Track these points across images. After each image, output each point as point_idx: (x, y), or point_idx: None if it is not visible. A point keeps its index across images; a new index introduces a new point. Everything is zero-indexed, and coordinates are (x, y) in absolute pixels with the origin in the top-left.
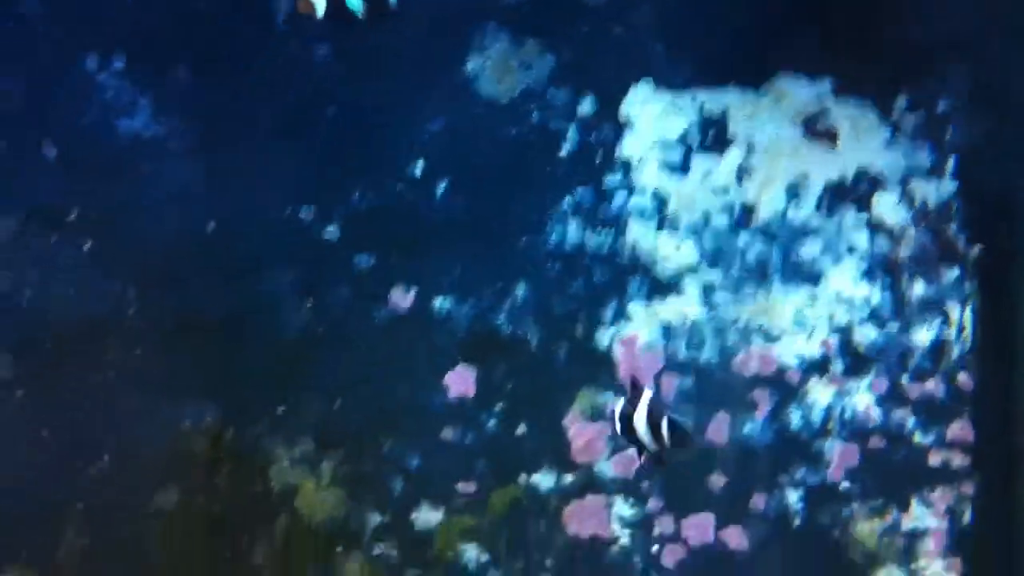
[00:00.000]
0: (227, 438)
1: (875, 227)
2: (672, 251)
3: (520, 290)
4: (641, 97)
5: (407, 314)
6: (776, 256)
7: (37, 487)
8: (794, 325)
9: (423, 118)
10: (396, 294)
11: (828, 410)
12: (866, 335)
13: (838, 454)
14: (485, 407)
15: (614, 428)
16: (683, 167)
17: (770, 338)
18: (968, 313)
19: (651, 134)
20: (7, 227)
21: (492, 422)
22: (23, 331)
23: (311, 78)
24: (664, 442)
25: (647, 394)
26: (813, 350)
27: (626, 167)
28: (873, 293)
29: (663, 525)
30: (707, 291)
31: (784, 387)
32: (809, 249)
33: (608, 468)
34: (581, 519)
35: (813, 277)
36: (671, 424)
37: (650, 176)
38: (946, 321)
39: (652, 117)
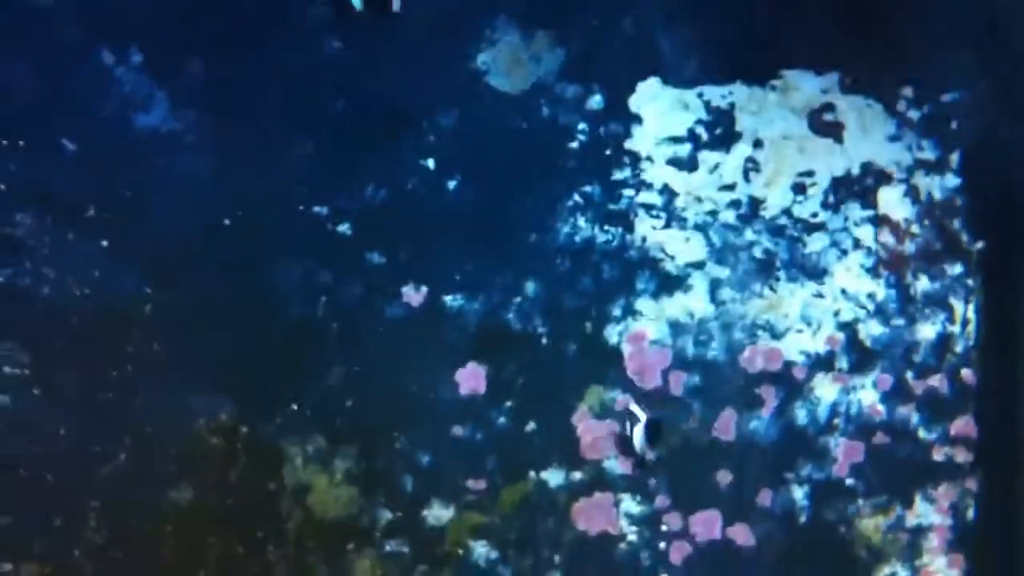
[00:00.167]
0: (241, 435)
1: (880, 222)
2: (680, 247)
3: (530, 287)
4: (650, 92)
5: (418, 311)
6: (783, 251)
7: (53, 483)
8: (800, 321)
9: (434, 113)
10: (408, 291)
11: (834, 406)
12: (871, 331)
13: (843, 450)
14: (495, 404)
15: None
16: (691, 162)
17: (776, 334)
18: (972, 309)
19: (659, 129)
20: (24, 222)
21: (502, 419)
22: (40, 327)
23: (324, 73)
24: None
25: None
26: (819, 346)
27: (635, 162)
28: (878, 288)
29: (670, 522)
30: (714, 287)
31: (790, 383)
32: (815, 244)
33: (616, 465)
34: (590, 516)
35: (819, 273)
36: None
37: (658, 171)
38: (950, 317)
39: (660, 112)
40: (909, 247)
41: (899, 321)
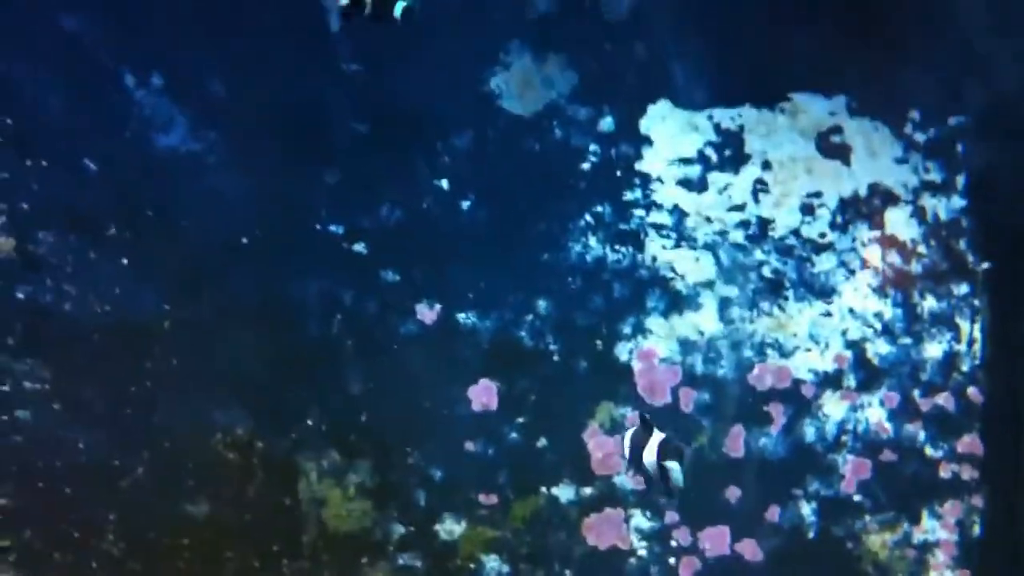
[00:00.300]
0: (257, 450)
1: (887, 243)
2: (690, 266)
3: (542, 305)
4: (660, 114)
5: (432, 328)
6: (791, 271)
7: (72, 496)
8: (808, 339)
9: (449, 135)
10: (422, 308)
11: (842, 424)
12: (879, 349)
13: (851, 467)
14: (507, 420)
15: (624, 454)
16: (701, 183)
17: (785, 352)
18: (978, 328)
19: (670, 151)
20: (47, 240)
21: (514, 435)
22: (61, 343)
23: (341, 96)
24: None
25: (657, 435)
26: (827, 364)
27: (645, 183)
28: (885, 308)
29: (680, 537)
30: (724, 306)
31: (798, 401)
32: (823, 264)
33: (627, 481)
34: (600, 530)
35: (827, 292)
36: (670, 470)
37: (668, 192)
38: (956, 336)
39: (671, 134)
40: (916, 267)
41: (906, 340)
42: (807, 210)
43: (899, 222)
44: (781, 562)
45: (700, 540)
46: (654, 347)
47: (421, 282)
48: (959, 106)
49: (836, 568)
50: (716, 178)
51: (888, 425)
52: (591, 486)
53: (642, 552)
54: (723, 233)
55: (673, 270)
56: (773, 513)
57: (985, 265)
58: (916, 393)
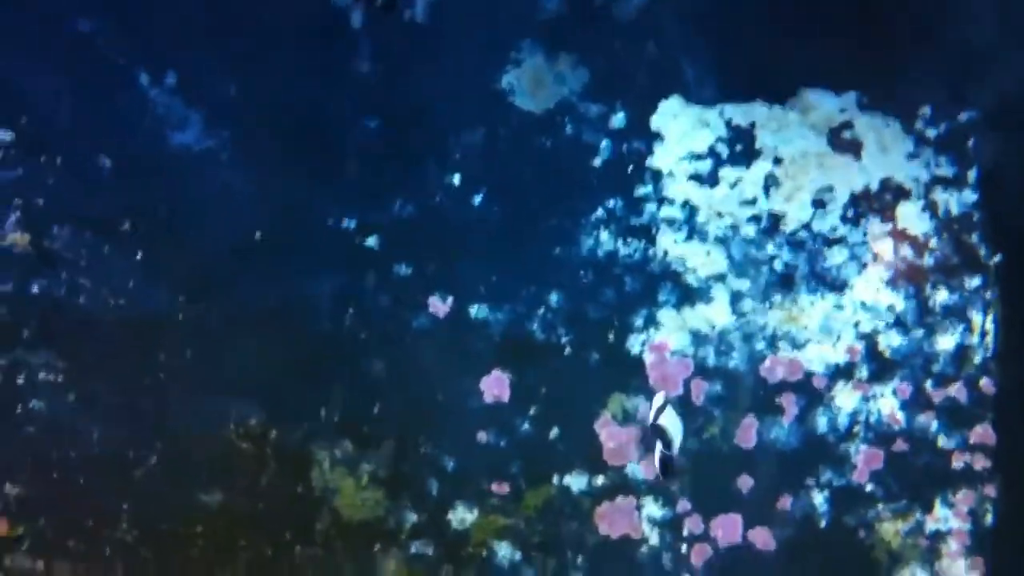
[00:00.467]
0: (270, 440)
1: (899, 236)
2: (701, 260)
3: (553, 298)
4: (671, 111)
5: (444, 321)
6: (803, 265)
7: (86, 486)
8: (820, 332)
9: (461, 131)
10: (434, 301)
11: (854, 414)
12: (891, 341)
13: (863, 457)
14: (519, 411)
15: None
16: (712, 178)
17: (797, 345)
18: (990, 320)
19: (681, 146)
20: (61, 235)
21: (526, 425)
22: (75, 336)
23: (353, 93)
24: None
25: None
26: (839, 356)
27: (656, 178)
28: (897, 300)
29: (692, 525)
30: (735, 299)
31: (811, 392)
32: (835, 258)
33: (639, 470)
34: (612, 519)
35: (839, 285)
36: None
37: (680, 187)
38: (969, 328)
39: (682, 130)
40: (928, 260)
41: (918, 332)
42: (818, 204)
43: (911, 216)
44: (793, 551)
45: (712, 529)
46: (666, 340)
47: (433, 276)
48: (970, 101)
49: (848, 557)
50: (727, 173)
51: (900, 416)
52: (603, 475)
53: (654, 541)
54: (734, 227)
55: (684, 264)
56: (785, 502)
57: (997, 258)
58: (928, 384)
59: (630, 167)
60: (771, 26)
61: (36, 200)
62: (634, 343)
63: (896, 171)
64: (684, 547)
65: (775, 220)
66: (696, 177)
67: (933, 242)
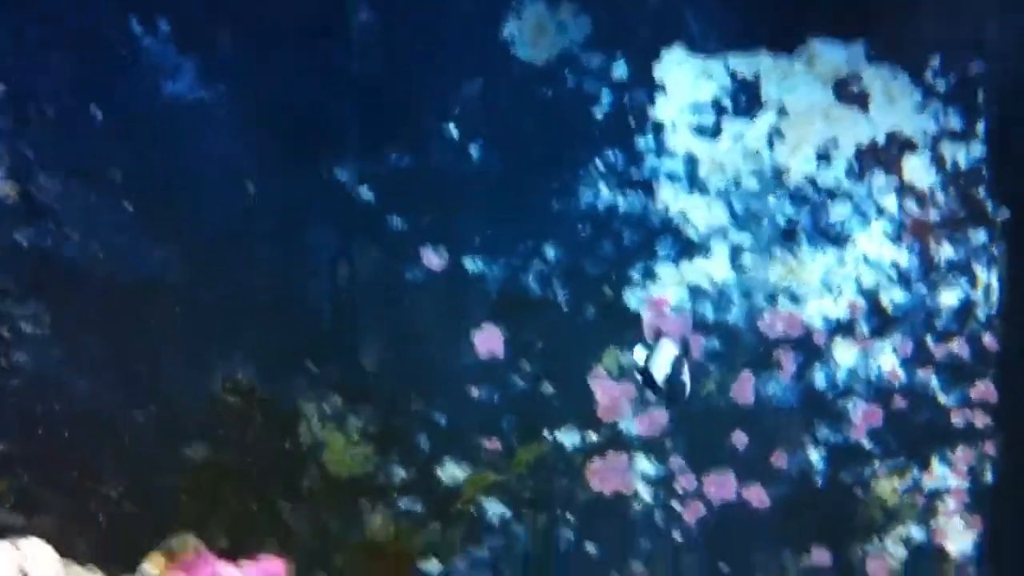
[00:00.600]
0: (257, 394)
1: (904, 190)
2: (702, 213)
3: (550, 251)
4: (674, 61)
5: (438, 274)
6: (805, 219)
7: (70, 440)
8: (821, 287)
9: (459, 80)
10: (428, 254)
11: (853, 371)
12: (893, 297)
13: (861, 414)
14: (513, 366)
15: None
16: (715, 130)
17: (797, 300)
18: (995, 275)
19: (683, 97)
20: (53, 186)
21: (519, 380)
22: (63, 289)
23: (350, 43)
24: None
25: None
26: (839, 311)
27: (658, 130)
28: (901, 255)
29: (685, 482)
30: (735, 253)
31: (810, 348)
32: (838, 212)
33: (632, 426)
34: (604, 476)
35: (841, 240)
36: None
37: (682, 139)
38: (973, 283)
39: (685, 81)
40: (933, 215)
41: (921, 287)
42: (823, 157)
43: (917, 169)
44: (788, 508)
45: (705, 486)
46: (664, 294)
47: (428, 228)
48: (980, 52)
49: (844, 514)
50: (730, 125)
51: (900, 372)
52: (596, 432)
53: (646, 497)
54: (736, 180)
55: (685, 217)
56: (781, 459)
57: (1004, 213)
58: (930, 340)
59: (631, 119)
60: None
61: (25, 151)
62: (631, 298)
63: (903, 124)
64: (677, 504)
65: (778, 173)
66: (699, 129)
67: (939, 196)
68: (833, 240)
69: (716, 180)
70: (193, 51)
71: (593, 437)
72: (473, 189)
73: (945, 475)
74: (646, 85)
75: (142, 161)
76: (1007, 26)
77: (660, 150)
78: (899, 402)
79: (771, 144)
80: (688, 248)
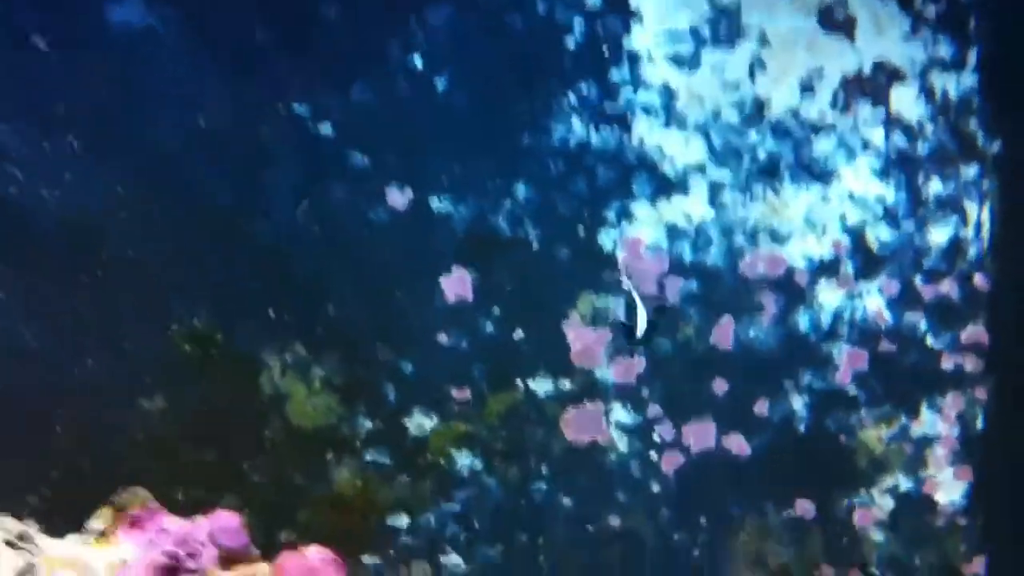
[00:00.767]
0: (216, 342)
1: (892, 123)
2: (679, 149)
3: (521, 189)
4: None
5: (403, 214)
6: (788, 154)
7: (17, 390)
8: (804, 225)
9: (424, 9)
10: (392, 194)
11: (837, 313)
12: (879, 235)
13: (846, 358)
14: (482, 311)
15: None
16: (693, 61)
17: (779, 239)
18: (986, 212)
19: (660, 25)
20: None
21: (489, 326)
22: (7, 232)
23: None
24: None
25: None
26: (823, 251)
27: (633, 60)
28: (888, 191)
29: (663, 431)
30: (715, 190)
31: (792, 289)
32: (822, 146)
33: (608, 374)
34: (579, 425)
35: (825, 176)
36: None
37: (658, 70)
38: (963, 220)
39: (662, 8)
40: (922, 148)
41: (909, 225)
42: (806, 89)
43: (905, 101)
44: (770, 457)
45: (684, 435)
46: (640, 234)
47: (392, 166)
48: None
49: (828, 463)
50: (709, 55)
51: (887, 314)
52: (570, 379)
53: (623, 447)
54: (716, 114)
55: (662, 153)
56: (763, 406)
57: (996, 146)
58: (918, 280)
59: (605, 49)
60: None
61: None
62: (606, 238)
63: (891, 52)
64: (654, 454)
65: (760, 106)
66: (676, 59)
67: (929, 128)
68: (817, 176)
69: (694, 113)
70: None
71: (567, 385)
72: (439, 124)
73: (934, 422)
74: (620, 12)
75: (88, 94)
76: None
77: (635, 82)
78: (886, 346)
79: (752, 75)
80: (665, 185)
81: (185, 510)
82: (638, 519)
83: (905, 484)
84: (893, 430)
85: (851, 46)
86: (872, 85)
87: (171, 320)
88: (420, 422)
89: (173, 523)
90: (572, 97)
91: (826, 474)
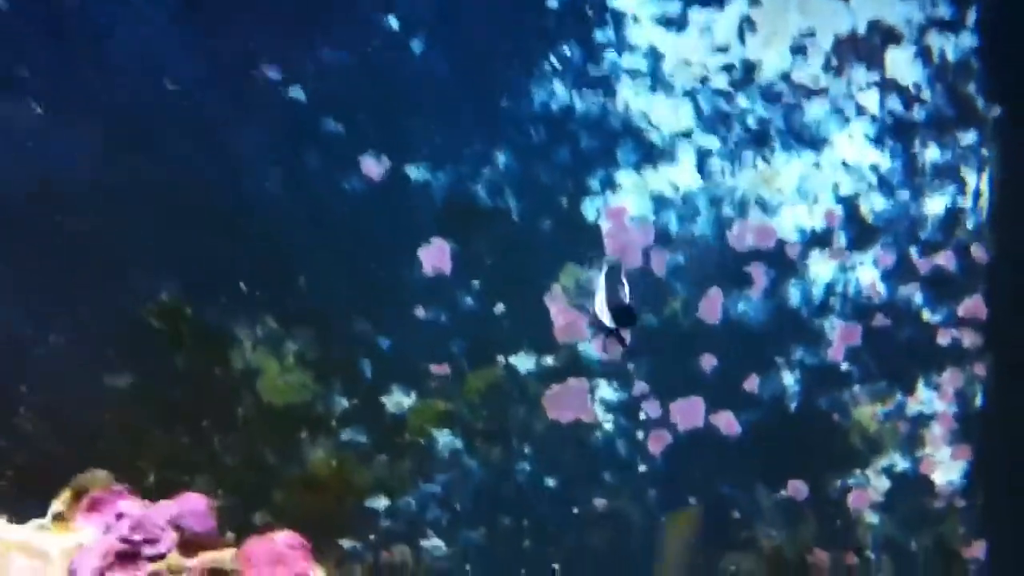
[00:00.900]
0: (185, 316)
1: (887, 87)
2: (666, 115)
3: (501, 158)
4: None
5: (379, 183)
6: (778, 119)
7: None
8: (795, 195)
9: None
10: (367, 162)
11: (830, 286)
12: (873, 205)
13: (839, 333)
14: (462, 284)
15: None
16: (680, 22)
17: (769, 209)
18: (985, 180)
19: None
20: None
21: (469, 300)
22: None
23: None
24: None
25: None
26: (815, 221)
27: (618, 21)
28: (882, 159)
29: (650, 409)
30: (702, 158)
31: (783, 261)
32: (814, 111)
33: (592, 349)
34: (562, 403)
35: (817, 142)
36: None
37: (644, 31)
38: (961, 189)
39: None
40: (918, 114)
41: (904, 194)
42: (798, 51)
43: (901, 64)
44: (760, 436)
45: (671, 413)
46: (625, 204)
47: (367, 133)
48: None
49: (821, 443)
50: (697, 16)
51: (881, 287)
52: (553, 355)
53: (608, 426)
54: (704, 78)
55: (647, 119)
56: (752, 383)
57: (995, 111)
58: (913, 252)
59: (588, 9)
60: None
61: None
62: (589, 208)
63: (886, 12)
64: (641, 433)
65: (749, 69)
66: (662, 20)
67: (925, 92)
68: (809, 143)
69: (682, 77)
70: None
71: (550, 361)
72: (416, 89)
73: (931, 399)
74: None
75: (52, 56)
76: None
77: (620, 44)
78: (880, 320)
79: (742, 37)
80: (651, 153)
81: (157, 492)
82: (625, 501)
83: (901, 464)
84: (888, 408)
85: (845, 5)
86: (866, 47)
87: (137, 294)
88: (398, 400)
89: (132, 507)
90: (554, 60)
91: (819, 454)
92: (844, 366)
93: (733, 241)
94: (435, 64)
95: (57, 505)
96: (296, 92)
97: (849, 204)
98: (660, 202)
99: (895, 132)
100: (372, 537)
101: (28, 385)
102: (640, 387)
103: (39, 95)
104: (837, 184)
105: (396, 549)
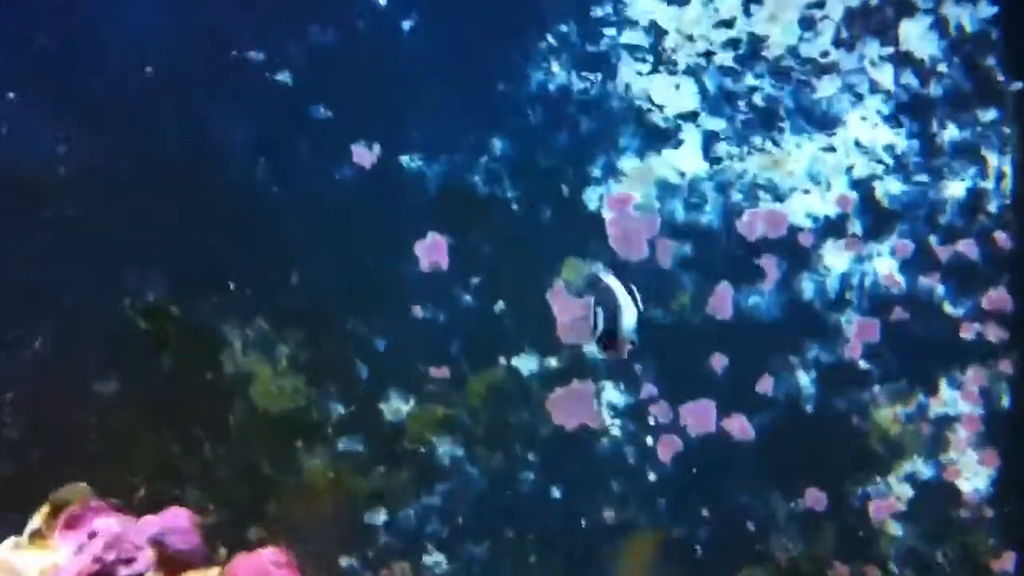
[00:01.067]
0: (173, 317)
1: (902, 61)
2: (669, 95)
3: (498, 144)
4: None
5: (371, 173)
6: (788, 98)
7: None
8: (807, 179)
9: None
10: (358, 150)
11: (845, 278)
12: (890, 189)
13: (856, 329)
14: (460, 280)
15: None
16: None
17: (779, 195)
18: (1008, 161)
19: None
20: None
21: (468, 298)
22: None
23: None
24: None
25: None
26: (829, 208)
27: None
28: (898, 139)
29: (659, 413)
30: (708, 142)
31: (795, 252)
32: (825, 89)
33: (597, 349)
34: (567, 407)
35: (829, 122)
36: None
37: (644, 6)
38: (982, 171)
39: None
40: (935, 90)
41: (922, 177)
42: (807, 25)
43: (916, 36)
44: (775, 440)
45: (681, 417)
46: (628, 192)
47: (357, 119)
48: None
49: (839, 446)
50: None
51: (900, 278)
52: (557, 356)
53: (615, 431)
54: (708, 54)
55: (650, 100)
56: (766, 384)
57: (1017, 86)
58: (933, 240)
59: None
60: None
61: None
62: (591, 197)
63: None
64: (650, 439)
65: (756, 45)
66: None
67: (942, 67)
68: (820, 123)
69: (685, 55)
70: None
71: (553, 363)
72: (407, 72)
73: (955, 400)
74: None
75: (27, 41)
76: None
77: (620, 20)
78: (899, 314)
79: (747, 10)
80: (654, 137)
81: (146, 506)
82: (634, 511)
83: (925, 471)
84: (910, 409)
85: None
86: (879, 18)
87: (123, 293)
88: (396, 406)
89: (107, 524)
90: (551, 38)
91: (837, 460)
92: (863, 365)
93: (742, 230)
94: (427, 45)
95: (35, 521)
96: (283, 76)
97: (864, 188)
98: (665, 189)
99: (911, 110)
100: (371, 554)
101: (12, 391)
102: (649, 389)
103: (14, 81)
104: (851, 167)
105: (396, 566)
